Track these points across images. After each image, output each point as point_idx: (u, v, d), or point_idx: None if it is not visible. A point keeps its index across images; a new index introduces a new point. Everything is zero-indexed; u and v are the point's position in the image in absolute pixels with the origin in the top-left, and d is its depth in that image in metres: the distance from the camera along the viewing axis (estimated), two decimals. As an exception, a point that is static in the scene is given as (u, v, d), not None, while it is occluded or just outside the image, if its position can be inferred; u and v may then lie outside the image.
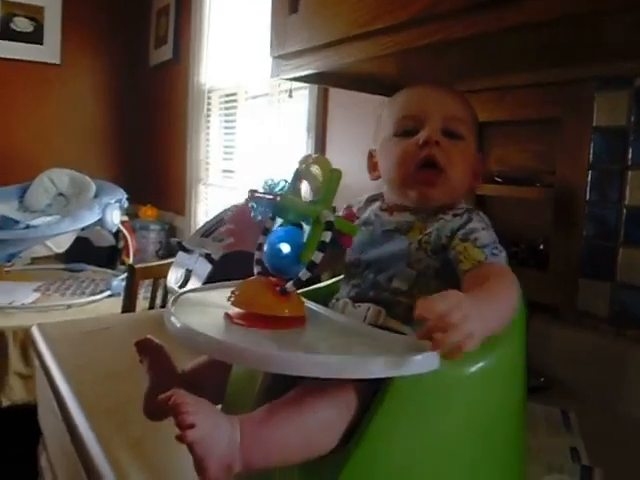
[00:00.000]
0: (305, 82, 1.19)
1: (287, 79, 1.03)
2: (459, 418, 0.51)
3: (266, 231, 0.60)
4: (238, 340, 0.49)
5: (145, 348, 0.61)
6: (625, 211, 0.84)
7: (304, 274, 0.53)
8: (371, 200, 0.70)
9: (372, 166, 0.72)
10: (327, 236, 0.51)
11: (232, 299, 0.56)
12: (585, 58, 0.84)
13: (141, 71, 2.93)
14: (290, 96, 1.67)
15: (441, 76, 1.02)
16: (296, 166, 0.57)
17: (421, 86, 0.67)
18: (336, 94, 1.49)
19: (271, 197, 0.53)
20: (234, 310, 0.57)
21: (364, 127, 1.40)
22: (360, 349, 0.49)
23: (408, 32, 0.70)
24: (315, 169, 0.55)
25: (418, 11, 0.67)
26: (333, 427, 0.47)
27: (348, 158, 1.44)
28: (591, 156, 0.88)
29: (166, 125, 2.67)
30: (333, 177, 0.54)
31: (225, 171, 2.28)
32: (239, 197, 2.06)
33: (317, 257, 0.52)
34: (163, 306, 1.69)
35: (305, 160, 0.56)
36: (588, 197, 0.89)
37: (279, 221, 0.60)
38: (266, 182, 0.55)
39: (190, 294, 0.65)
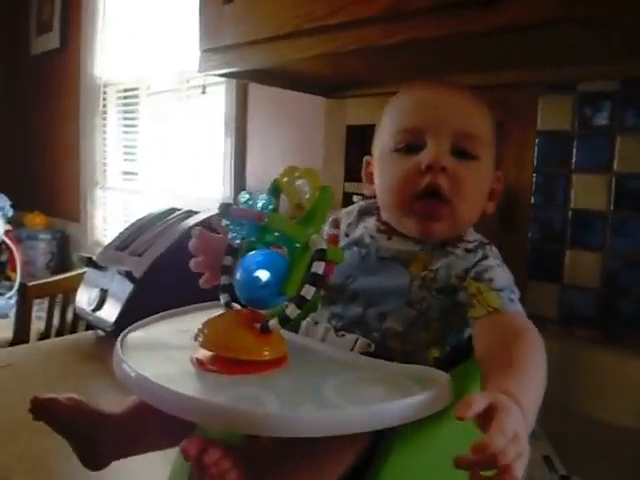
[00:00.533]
0: (235, 78, 1.09)
1: (218, 75, 0.93)
2: (457, 438, 0.47)
3: (233, 251, 0.51)
4: (226, 397, 0.40)
5: (45, 411, 0.48)
6: (571, 214, 0.86)
7: (292, 311, 0.45)
8: (364, 212, 0.61)
9: (368, 177, 0.61)
10: (320, 267, 0.44)
11: (200, 339, 0.47)
12: (530, 62, 0.83)
13: (21, 61, 2.60)
14: (203, 92, 1.55)
15: (384, 77, 0.98)
16: (276, 178, 0.49)
17: (427, 88, 0.57)
18: (257, 89, 1.40)
19: (254, 215, 0.45)
20: (202, 352, 0.48)
21: (290, 125, 1.32)
22: (372, 390, 0.43)
23: (371, 29, 0.64)
24: (301, 184, 0.47)
25: (384, 7, 0.61)
26: (343, 460, 0.42)
27: (273, 160, 1.37)
28: (535, 160, 0.89)
29: (55, 122, 2.40)
30: (324, 195, 0.46)
31: (126, 173, 2.09)
32: (143, 201, 1.89)
33: (308, 292, 0.44)
34: (61, 330, 1.50)
35: (288, 172, 0.48)
36: (534, 200, 0.89)
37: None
38: (242, 196, 0.46)
39: (139, 332, 0.55)
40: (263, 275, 0.45)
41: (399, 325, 0.53)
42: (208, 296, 0.57)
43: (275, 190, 0.49)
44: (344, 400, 0.41)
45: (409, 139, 0.54)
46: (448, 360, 0.55)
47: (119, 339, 0.50)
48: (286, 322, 0.45)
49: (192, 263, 0.54)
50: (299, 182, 0.47)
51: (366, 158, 0.63)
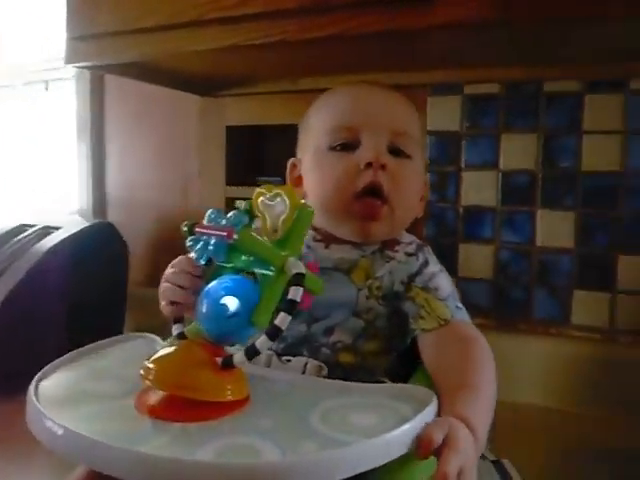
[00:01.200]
0: (104, 72, 0.95)
1: (89, 67, 0.80)
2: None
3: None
4: (210, 452, 0.33)
5: None
6: (462, 210, 0.90)
7: (263, 343, 0.39)
8: None
9: (294, 180, 0.58)
10: (297, 293, 0.38)
11: (150, 378, 0.39)
12: (419, 64, 0.86)
13: None
14: (47, 89, 1.36)
15: (265, 74, 0.94)
16: (249, 200, 0.43)
17: (363, 88, 0.55)
18: (114, 85, 1.25)
19: (223, 231, 0.38)
20: (146, 397, 0.40)
21: (157, 126, 1.21)
22: (364, 418, 0.39)
23: (289, 22, 0.59)
24: (278, 203, 0.41)
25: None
26: None
27: (139, 165, 1.24)
28: (427, 159, 0.91)
29: None
30: (303, 215, 0.41)
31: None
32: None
33: (283, 321, 0.38)
34: None
35: (263, 192, 0.42)
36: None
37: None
38: (209, 213, 0.40)
39: (51, 379, 0.44)
40: (231, 303, 0.38)
41: (348, 337, 0.50)
42: (83, 325, 0.48)
43: (247, 212, 0.42)
44: (342, 433, 0.36)
45: (345, 137, 0.52)
46: (396, 369, 0.53)
47: (31, 390, 0.40)
48: (254, 356, 0.39)
49: (169, 292, 0.46)
50: (275, 202, 0.41)
51: (292, 160, 0.59)
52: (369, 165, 0.50)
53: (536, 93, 0.83)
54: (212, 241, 0.39)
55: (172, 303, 0.44)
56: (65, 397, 0.41)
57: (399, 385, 0.44)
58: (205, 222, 0.40)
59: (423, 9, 0.54)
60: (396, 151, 0.52)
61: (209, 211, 0.40)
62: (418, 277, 0.51)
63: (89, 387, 0.43)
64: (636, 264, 0.81)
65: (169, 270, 0.46)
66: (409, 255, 0.52)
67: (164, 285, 0.46)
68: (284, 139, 1.12)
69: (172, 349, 0.40)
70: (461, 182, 0.90)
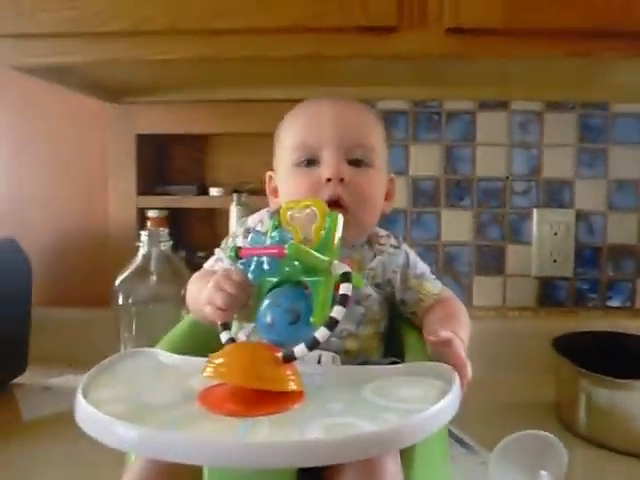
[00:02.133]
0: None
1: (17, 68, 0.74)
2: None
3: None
4: (317, 432, 0.38)
5: None
6: (378, 212, 1.01)
7: (322, 333, 0.44)
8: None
9: (272, 191, 0.63)
10: (348, 289, 0.45)
11: (210, 371, 0.42)
12: (337, 81, 0.94)
13: None
14: None
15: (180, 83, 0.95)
16: (277, 217, 0.48)
17: (320, 104, 0.59)
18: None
19: (275, 250, 0.43)
20: (206, 397, 0.43)
21: (56, 132, 1.12)
22: (412, 392, 0.45)
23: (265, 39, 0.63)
24: (307, 213, 0.46)
25: (283, 19, 0.62)
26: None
27: (33, 177, 1.13)
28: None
29: None
30: (334, 221, 0.47)
31: None
32: None
33: (338, 312, 0.44)
34: None
35: (291, 205, 0.47)
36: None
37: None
38: (252, 237, 0.44)
39: (91, 395, 0.43)
40: (294, 310, 0.44)
41: (352, 324, 0.57)
42: None
43: (279, 223, 0.47)
44: (407, 404, 0.41)
45: (307, 154, 0.57)
46: (383, 349, 0.62)
47: (82, 383, 0.41)
48: (314, 347, 0.44)
49: (221, 299, 0.47)
50: (304, 213, 0.46)
51: (268, 173, 0.65)
52: (329, 180, 0.56)
53: (439, 110, 0.98)
54: (265, 260, 0.45)
55: (220, 309, 0.47)
56: (125, 413, 0.40)
57: (422, 363, 0.50)
58: (248, 244, 0.47)
59: (384, 39, 0.62)
60: (356, 161, 0.58)
61: (251, 235, 0.47)
62: (409, 269, 0.61)
63: (137, 401, 0.43)
64: (520, 252, 1.00)
65: (220, 279, 0.47)
66: (395, 247, 0.62)
67: (213, 292, 0.47)
68: (190, 148, 1.12)
69: (233, 349, 0.44)
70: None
